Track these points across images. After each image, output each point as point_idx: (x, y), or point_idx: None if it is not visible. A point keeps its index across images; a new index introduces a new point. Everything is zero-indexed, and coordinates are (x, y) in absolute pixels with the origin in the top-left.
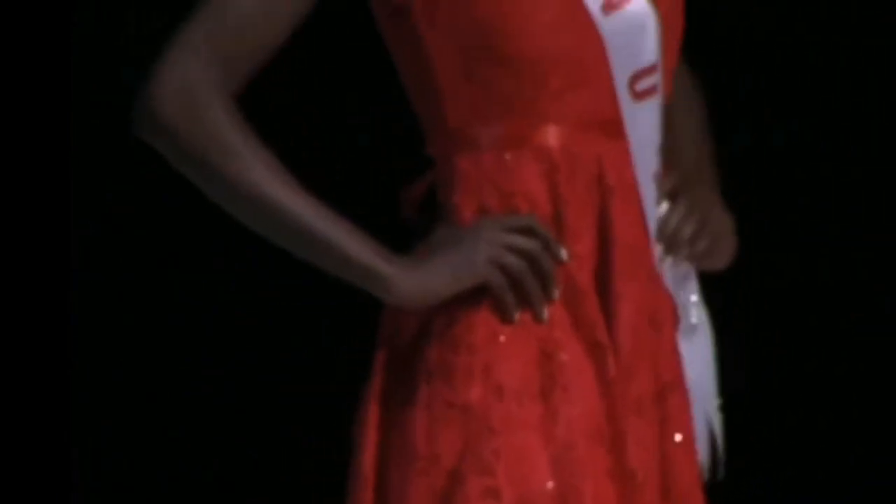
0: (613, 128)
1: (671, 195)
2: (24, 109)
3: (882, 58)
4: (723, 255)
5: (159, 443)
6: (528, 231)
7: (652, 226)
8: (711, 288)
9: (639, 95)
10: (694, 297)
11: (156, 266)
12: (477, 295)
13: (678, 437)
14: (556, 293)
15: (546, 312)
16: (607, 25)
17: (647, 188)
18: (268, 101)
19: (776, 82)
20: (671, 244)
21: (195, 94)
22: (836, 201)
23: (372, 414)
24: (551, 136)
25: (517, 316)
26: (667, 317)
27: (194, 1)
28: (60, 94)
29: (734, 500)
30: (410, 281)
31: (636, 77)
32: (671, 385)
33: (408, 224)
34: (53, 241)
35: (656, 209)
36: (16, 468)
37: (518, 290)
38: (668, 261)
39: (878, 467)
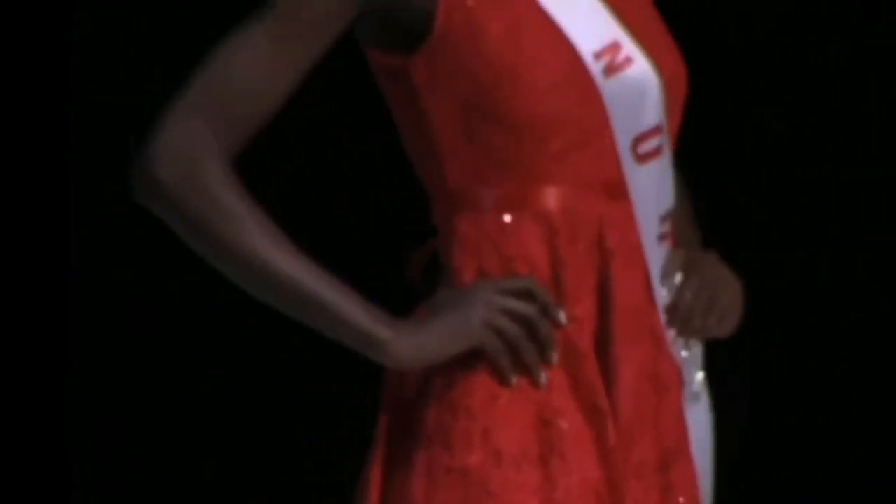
0: (615, 190)
1: (683, 267)
2: (24, 109)
3: (882, 57)
4: (729, 324)
5: (159, 443)
6: (526, 294)
7: (657, 288)
8: None
9: (641, 158)
10: (699, 365)
11: (156, 266)
12: (476, 357)
13: (681, 500)
14: (555, 358)
15: (544, 377)
16: (609, 88)
17: (652, 250)
18: (272, 163)
19: (776, 82)
20: (684, 327)
21: (193, 160)
22: (836, 201)
23: (374, 477)
24: (551, 197)
25: (515, 380)
26: (672, 380)
27: (192, 1)
28: (60, 94)
29: (735, 501)
30: (406, 344)
31: (639, 139)
32: (675, 450)
33: (411, 286)
34: (53, 241)
35: (667, 276)
36: (16, 468)
37: (515, 354)
38: (678, 339)
39: (879, 467)
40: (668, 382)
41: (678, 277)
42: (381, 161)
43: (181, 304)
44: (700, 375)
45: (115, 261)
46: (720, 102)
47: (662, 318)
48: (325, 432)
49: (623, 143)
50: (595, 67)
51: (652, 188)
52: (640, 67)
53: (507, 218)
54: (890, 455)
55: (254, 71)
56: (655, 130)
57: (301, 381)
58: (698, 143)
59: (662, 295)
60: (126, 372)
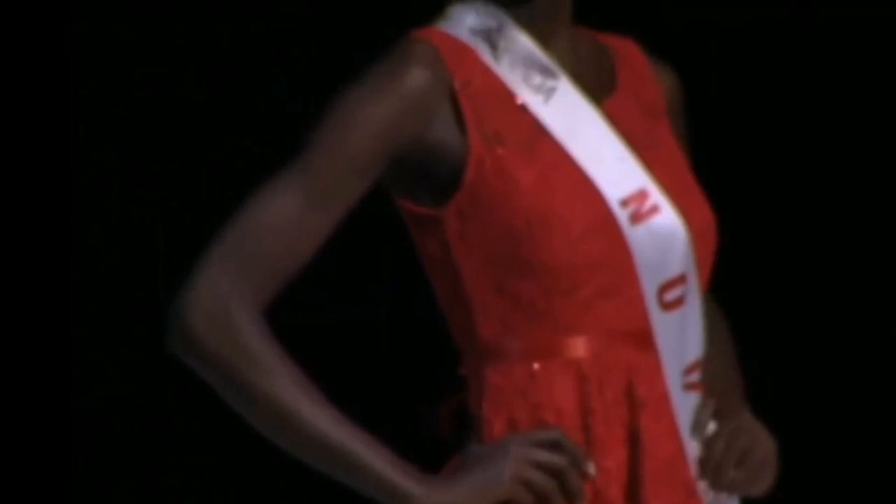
0: (643, 338)
1: (715, 416)
2: (24, 110)
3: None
4: (764, 482)
5: (159, 443)
6: (555, 445)
7: (686, 439)
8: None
9: (667, 306)
10: None
11: (155, 266)
12: None
13: None
14: None
15: None
16: (635, 236)
17: (679, 400)
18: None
19: (776, 83)
20: (716, 480)
21: (228, 314)
22: (836, 201)
23: None
24: (580, 346)
25: None
26: None
27: (191, 3)
28: (60, 94)
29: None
30: (437, 501)
31: (664, 287)
32: None
33: (437, 438)
34: (53, 241)
35: (698, 427)
36: (16, 468)
37: None
38: (710, 491)
39: (879, 467)
40: None
41: (710, 428)
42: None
43: None
44: None
45: (115, 261)
46: (721, 102)
47: (693, 469)
48: None
49: (649, 291)
50: (622, 215)
51: (677, 337)
52: (667, 216)
53: (536, 366)
54: (890, 455)
55: (286, 223)
56: (680, 279)
57: None
58: (704, 144)
59: (693, 446)
60: (126, 372)
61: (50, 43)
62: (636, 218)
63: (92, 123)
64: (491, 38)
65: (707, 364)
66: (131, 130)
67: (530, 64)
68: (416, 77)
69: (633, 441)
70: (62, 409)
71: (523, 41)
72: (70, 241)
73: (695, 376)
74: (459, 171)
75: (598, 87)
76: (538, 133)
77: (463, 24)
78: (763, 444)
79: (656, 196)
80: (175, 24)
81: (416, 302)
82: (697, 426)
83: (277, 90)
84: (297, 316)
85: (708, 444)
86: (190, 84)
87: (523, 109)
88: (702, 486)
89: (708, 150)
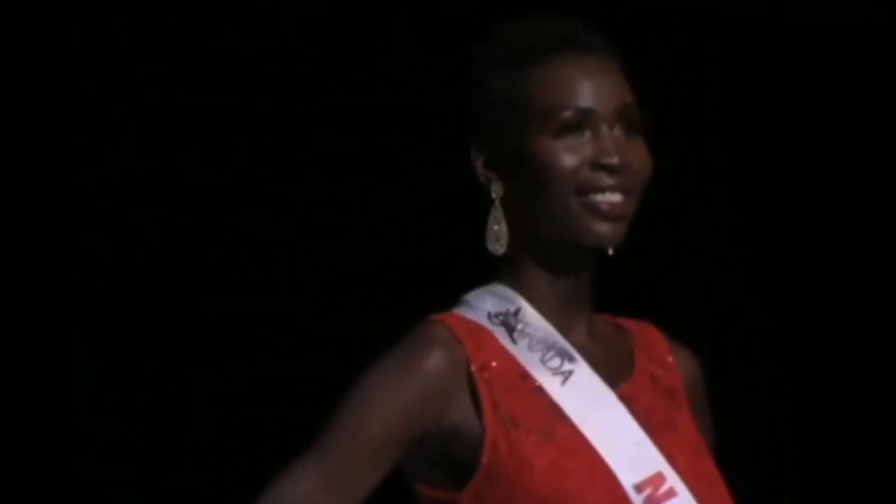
0: None
1: None
2: (25, 110)
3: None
4: None
5: (159, 443)
6: None
7: None
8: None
9: None
10: None
11: (155, 266)
12: None
13: None
14: None
15: None
16: None
17: None
18: None
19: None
20: None
21: None
22: (839, 202)
23: None
24: None
25: None
26: None
27: (191, 3)
28: (60, 94)
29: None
30: None
31: None
32: None
33: None
34: (53, 241)
35: None
36: (16, 468)
37: None
38: None
39: (878, 467)
40: None
41: None
42: None
43: (180, 304)
44: None
45: (115, 261)
46: (724, 106)
47: None
48: None
49: None
50: (637, 500)
51: None
52: (683, 501)
53: None
54: (890, 455)
55: (365, 447)
56: None
57: (301, 382)
58: (704, 143)
59: None
60: (126, 372)
61: (50, 43)
62: (651, 503)
63: (92, 123)
64: (508, 321)
65: None
66: (131, 130)
67: (548, 346)
68: (434, 360)
69: None
70: (62, 409)
71: (541, 324)
72: (70, 241)
73: None
74: (476, 454)
75: (616, 370)
76: (554, 416)
77: (480, 308)
78: None
79: (672, 480)
80: (175, 24)
81: None
82: None
83: (278, 90)
84: None
85: None
86: (190, 84)
87: (540, 392)
88: None
89: (708, 150)
